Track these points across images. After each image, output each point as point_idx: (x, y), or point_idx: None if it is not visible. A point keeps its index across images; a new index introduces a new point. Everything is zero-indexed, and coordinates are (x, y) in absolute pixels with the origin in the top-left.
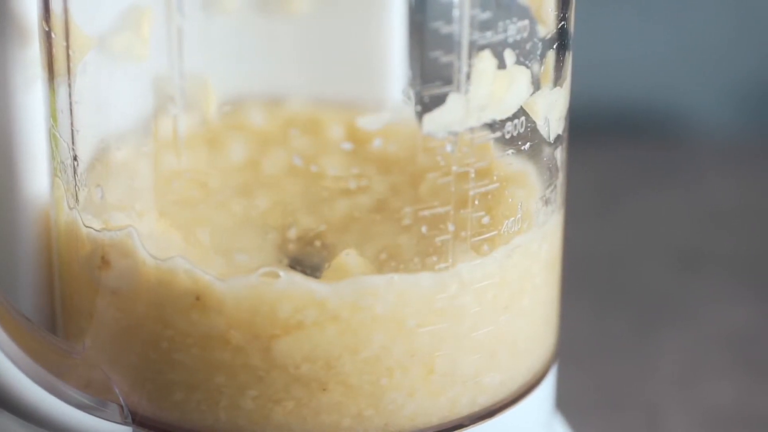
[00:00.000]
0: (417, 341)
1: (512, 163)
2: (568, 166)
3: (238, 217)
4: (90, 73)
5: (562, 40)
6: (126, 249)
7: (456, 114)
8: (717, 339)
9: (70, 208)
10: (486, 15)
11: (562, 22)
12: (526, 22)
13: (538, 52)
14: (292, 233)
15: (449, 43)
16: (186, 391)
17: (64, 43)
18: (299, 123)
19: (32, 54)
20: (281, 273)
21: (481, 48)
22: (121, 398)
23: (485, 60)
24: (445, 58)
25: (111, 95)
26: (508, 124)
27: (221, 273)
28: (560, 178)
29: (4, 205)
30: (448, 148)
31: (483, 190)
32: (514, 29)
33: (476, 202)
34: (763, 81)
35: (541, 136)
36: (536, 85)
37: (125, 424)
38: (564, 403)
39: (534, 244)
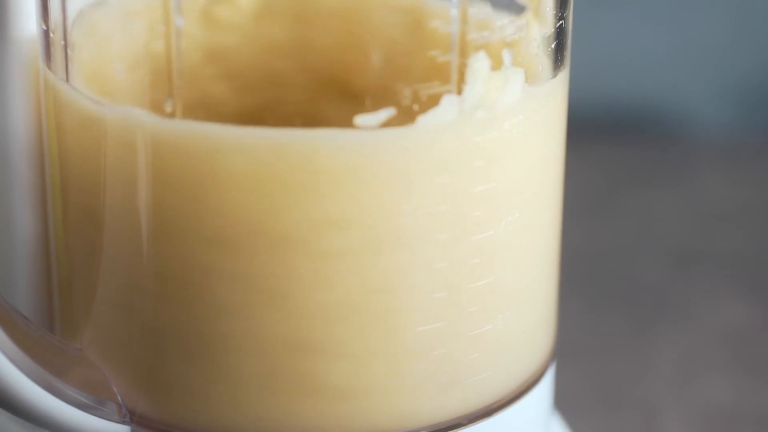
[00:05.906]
0: (414, 338)
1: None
2: (568, 165)
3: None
4: None
5: (560, 39)
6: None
7: (451, 114)
8: (714, 337)
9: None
10: (484, 14)
11: (561, 21)
12: (525, 21)
13: (536, 52)
14: None
15: (447, 43)
16: (185, 389)
17: (63, 43)
18: None
19: (32, 54)
20: None
21: (479, 47)
22: (119, 397)
23: (481, 60)
24: (442, 58)
25: None
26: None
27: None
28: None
29: (2, 204)
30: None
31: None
32: (512, 28)
33: None
34: (763, 81)
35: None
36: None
37: (123, 422)
38: (561, 402)
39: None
